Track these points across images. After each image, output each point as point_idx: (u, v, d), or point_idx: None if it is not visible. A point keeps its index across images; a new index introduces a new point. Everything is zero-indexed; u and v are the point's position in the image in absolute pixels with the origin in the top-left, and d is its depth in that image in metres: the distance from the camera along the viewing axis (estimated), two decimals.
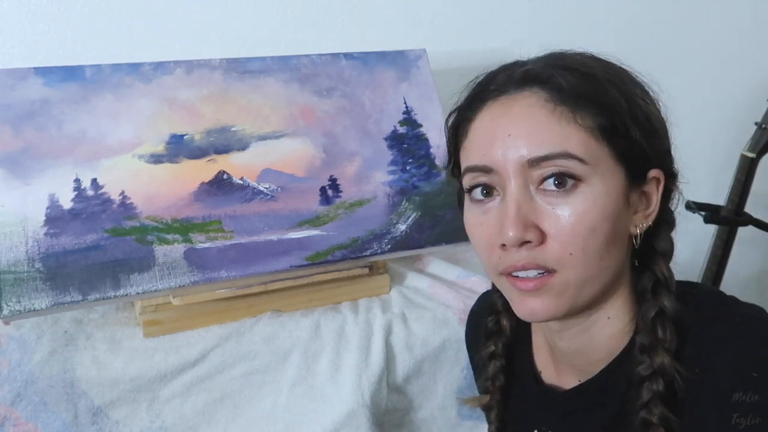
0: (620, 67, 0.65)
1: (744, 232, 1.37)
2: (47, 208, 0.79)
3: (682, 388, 0.61)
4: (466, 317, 0.88)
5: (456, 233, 0.95)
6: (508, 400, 0.77)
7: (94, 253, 0.79)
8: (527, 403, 0.76)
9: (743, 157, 1.32)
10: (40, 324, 0.81)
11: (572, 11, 1.35)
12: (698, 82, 1.50)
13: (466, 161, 0.65)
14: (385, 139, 0.96)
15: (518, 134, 0.60)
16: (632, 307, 0.66)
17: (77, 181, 0.81)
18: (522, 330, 0.76)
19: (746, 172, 1.31)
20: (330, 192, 0.91)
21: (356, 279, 0.93)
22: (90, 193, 0.81)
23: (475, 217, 0.64)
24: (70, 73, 0.85)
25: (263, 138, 0.91)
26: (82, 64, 0.86)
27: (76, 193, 0.81)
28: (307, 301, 0.91)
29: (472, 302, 0.93)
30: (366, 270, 0.92)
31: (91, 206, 0.81)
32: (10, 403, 0.75)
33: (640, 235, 0.64)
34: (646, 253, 0.66)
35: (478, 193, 0.63)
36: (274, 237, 0.86)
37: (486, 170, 0.62)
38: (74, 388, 0.77)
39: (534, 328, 0.76)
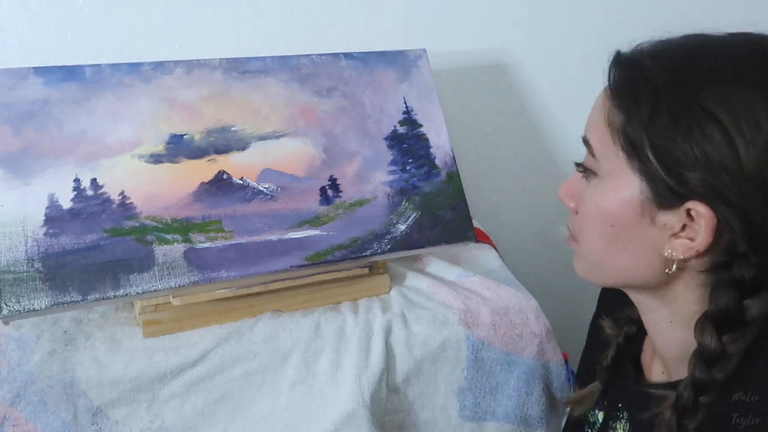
0: (708, 72, 0.61)
1: None
2: (47, 208, 0.79)
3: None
4: (466, 317, 0.88)
5: (456, 233, 0.95)
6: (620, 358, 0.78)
7: (94, 253, 0.79)
8: (625, 373, 0.76)
9: None
10: (39, 324, 0.81)
11: (572, 11, 1.35)
12: None
13: None
14: (385, 139, 0.96)
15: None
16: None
17: (77, 181, 0.81)
18: None
19: None
20: (330, 192, 0.91)
21: (356, 279, 0.93)
22: (90, 193, 0.81)
23: None
24: (70, 73, 0.85)
25: (263, 138, 0.91)
26: (82, 64, 0.86)
27: (75, 193, 0.81)
28: (307, 301, 0.90)
29: (472, 302, 0.93)
30: (366, 270, 0.92)
31: (91, 206, 0.81)
32: (9, 403, 0.75)
33: (678, 261, 0.61)
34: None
35: None
36: (274, 237, 0.86)
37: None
38: (74, 388, 0.77)
39: None
